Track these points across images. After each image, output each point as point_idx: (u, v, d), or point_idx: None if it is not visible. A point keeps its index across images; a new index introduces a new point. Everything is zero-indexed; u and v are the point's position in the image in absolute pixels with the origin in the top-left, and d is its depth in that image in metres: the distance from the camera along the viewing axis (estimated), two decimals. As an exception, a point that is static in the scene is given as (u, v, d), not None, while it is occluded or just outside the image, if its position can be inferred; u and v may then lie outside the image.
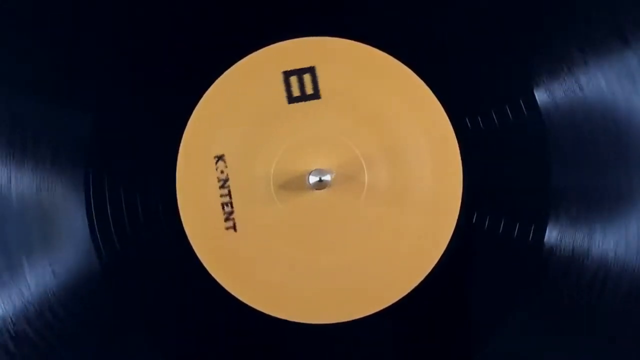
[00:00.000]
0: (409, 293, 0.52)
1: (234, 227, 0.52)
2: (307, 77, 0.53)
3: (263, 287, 0.52)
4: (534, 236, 0.52)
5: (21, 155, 0.52)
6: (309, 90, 0.53)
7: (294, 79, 0.52)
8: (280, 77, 0.53)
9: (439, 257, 0.52)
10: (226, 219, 0.52)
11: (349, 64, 0.53)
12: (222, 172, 0.52)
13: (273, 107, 0.52)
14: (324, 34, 0.53)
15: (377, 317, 0.52)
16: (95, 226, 0.52)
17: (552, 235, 0.53)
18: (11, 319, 0.52)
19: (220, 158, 0.52)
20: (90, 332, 0.52)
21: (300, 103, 0.52)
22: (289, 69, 0.53)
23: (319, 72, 0.53)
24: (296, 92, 0.53)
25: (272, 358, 0.53)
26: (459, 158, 0.53)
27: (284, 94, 0.52)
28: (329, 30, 0.53)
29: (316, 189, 0.51)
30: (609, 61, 0.53)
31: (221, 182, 0.52)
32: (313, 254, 0.52)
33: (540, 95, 0.53)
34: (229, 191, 0.52)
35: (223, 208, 0.52)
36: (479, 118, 0.53)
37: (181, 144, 0.52)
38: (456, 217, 0.52)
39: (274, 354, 0.53)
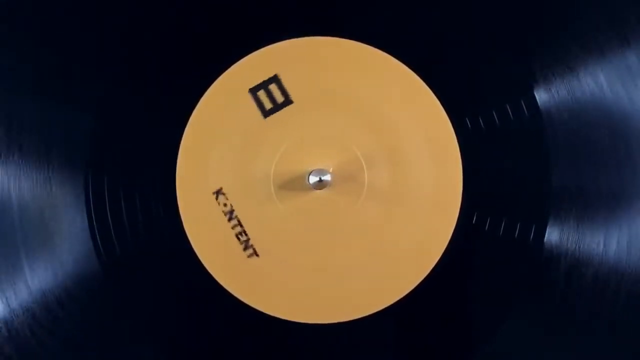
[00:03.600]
0: (409, 293, 0.52)
1: (255, 253, 0.52)
2: (273, 87, 0.52)
3: (263, 287, 0.52)
4: (534, 236, 0.52)
5: (21, 155, 0.52)
6: (280, 98, 0.52)
7: (262, 93, 0.52)
8: (249, 96, 0.52)
9: (439, 257, 0.52)
10: (245, 248, 0.52)
11: (348, 64, 0.53)
12: (225, 205, 0.52)
13: (252, 126, 0.52)
14: (323, 33, 0.53)
15: (377, 317, 0.52)
16: (95, 226, 0.52)
17: (552, 235, 0.53)
18: (11, 319, 0.52)
19: (218, 192, 0.52)
20: (90, 332, 0.52)
21: (275, 114, 0.52)
22: (253, 85, 0.52)
23: (283, 78, 0.52)
24: (268, 105, 0.52)
25: (272, 358, 0.53)
26: (459, 158, 0.53)
27: (257, 111, 0.52)
28: (329, 30, 0.53)
29: (316, 189, 0.51)
30: (609, 61, 0.53)
31: (227, 215, 0.52)
32: (313, 253, 0.52)
33: (540, 95, 0.53)
34: (238, 220, 0.52)
35: (238, 238, 0.52)
36: (479, 118, 0.53)
37: (177, 182, 0.52)
38: (456, 217, 0.52)
39: (274, 354, 0.53)
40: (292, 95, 0.52)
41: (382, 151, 0.52)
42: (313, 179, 0.51)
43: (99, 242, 0.52)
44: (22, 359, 0.52)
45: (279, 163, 0.52)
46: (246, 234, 0.52)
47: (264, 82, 0.52)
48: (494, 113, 0.53)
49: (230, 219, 0.52)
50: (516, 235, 0.52)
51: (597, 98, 0.53)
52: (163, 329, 0.53)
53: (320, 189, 0.51)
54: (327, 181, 0.51)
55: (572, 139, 0.53)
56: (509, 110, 0.53)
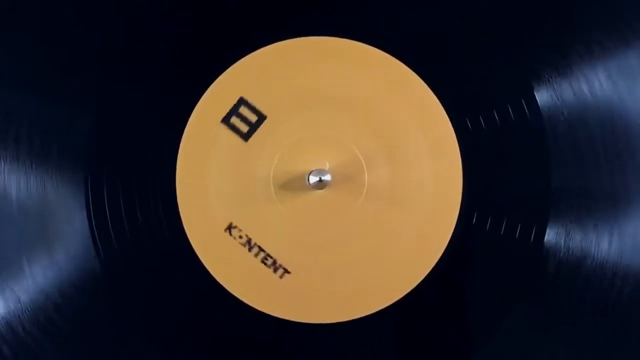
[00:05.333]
0: (408, 293, 0.52)
1: (286, 271, 0.52)
2: (244, 110, 0.52)
3: (263, 287, 0.52)
4: (534, 236, 0.52)
5: (21, 155, 0.52)
6: (253, 119, 0.52)
7: (235, 120, 0.52)
8: (223, 127, 0.52)
9: (439, 257, 0.52)
10: (275, 270, 0.52)
11: (348, 64, 0.53)
12: (240, 237, 0.52)
13: (236, 153, 0.52)
14: (323, 33, 0.53)
15: (377, 317, 0.52)
16: (95, 226, 0.52)
17: (551, 235, 0.53)
18: (11, 318, 0.52)
19: (230, 228, 0.52)
20: (89, 332, 0.52)
21: (254, 134, 0.52)
22: (224, 115, 0.52)
23: (251, 99, 0.52)
24: (244, 129, 0.52)
25: (272, 358, 0.53)
26: (459, 158, 0.53)
27: (237, 138, 0.52)
28: (329, 30, 0.53)
29: (316, 189, 0.51)
30: (610, 61, 0.53)
31: (246, 246, 0.52)
32: (313, 253, 0.52)
33: (541, 96, 0.53)
34: (259, 247, 0.52)
35: (264, 263, 0.52)
36: (479, 118, 0.53)
37: (176, 182, 0.52)
38: (456, 217, 0.52)
39: (274, 354, 0.53)
40: (264, 110, 0.52)
41: (382, 151, 0.52)
42: (313, 179, 0.51)
43: (98, 241, 0.52)
44: (25, 358, 0.52)
45: (279, 163, 0.52)
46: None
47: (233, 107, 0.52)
48: (494, 113, 0.53)
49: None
50: (516, 235, 0.52)
51: (598, 98, 0.53)
52: (163, 329, 0.53)
53: (320, 189, 0.51)
54: (327, 181, 0.51)
55: (572, 139, 0.53)
56: (509, 110, 0.53)
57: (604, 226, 0.53)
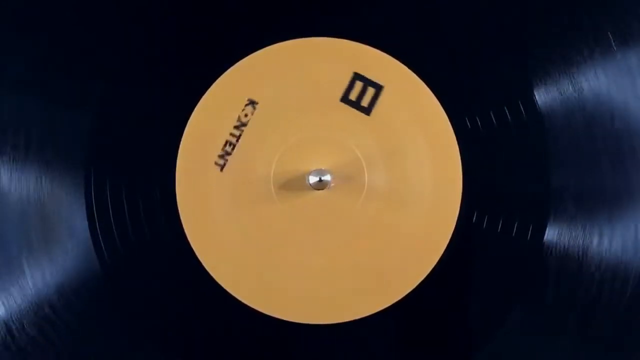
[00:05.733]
0: (409, 293, 0.52)
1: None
2: (369, 90, 0.53)
3: (263, 287, 0.52)
4: (533, 236, 0.52)
5: (21, 155, 0.52)
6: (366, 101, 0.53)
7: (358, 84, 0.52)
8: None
9: (439, 256, 0.52)
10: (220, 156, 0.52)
11: (348, 64, 0.53)
12: (245, 115, 0.52)
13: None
14: (323, 33, 0.53)
15: (377, 317, 0.52)
16: (96, 226, 0.52)
17: (551, 234, 0.53)
18: (11, 318, 0.52)
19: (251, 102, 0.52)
20: (90, 332, 0.52)
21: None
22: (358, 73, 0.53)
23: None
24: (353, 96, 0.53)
25: (272, 358, 0.53)
26: (459, 158, 0.53)
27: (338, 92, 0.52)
28: (329, 30, 0.53)
29: (316, 189, 0.51)
30: (609, 61, 0.53)
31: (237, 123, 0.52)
32: (313, 254, 0.52)
33: (540, 96, 0.53)
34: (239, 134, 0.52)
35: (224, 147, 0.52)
36: (479, 118, 0.53)
37: (176, 182, 0.52)
38: (456, 217, 0.52)
39: (274, 354, 0.53)
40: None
41: (382, 151, 0.52)
42: (313, 179, 0.51)
43: (99, 242, 0.52)
44: (25, 358, 0.52)
45: (279, 163, 0.52)
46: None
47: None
48: (494, 113, 0.53)
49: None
50: (515, 234, 0.52)
51: (597, 98, 0.53)
52: (163, 330, 0.53)
53: (320, 189, 0.51)
54: (327, 181, 0.51)
55: (571, 139, 0.53)
56: (509, 110, 0.53)
57: (604, 226, 0.53)
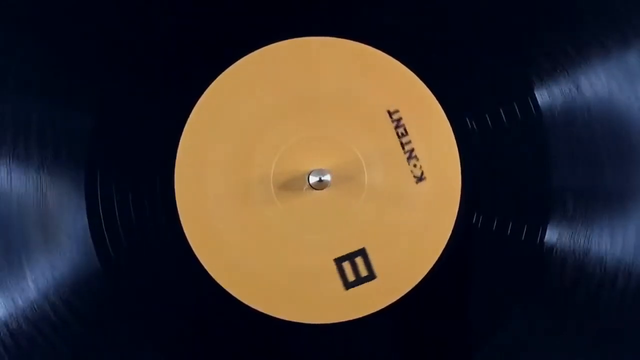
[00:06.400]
0: (408, 293, 0.52)
1: None
2: None
3: (263, 287, 0.52)
4: (533, 236, 0.53)
5: (21, 155, 0.52)
6: None
7: None
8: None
9: (438, 256, 0.52)
10: None
11: (348, 64, 0.53)
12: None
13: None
14: (323, 33, 0.53)
15: (377, 317, 0.52)
16: (96, 226, 0.52)
17: (551, 234, 0.53)
18: (11, 318, 0.52)
19: None
20: (90, 332, 0.52)
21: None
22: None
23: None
24: None
25: (272, 358, 0.53)
26: (459, 158, 0.53)
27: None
28: (329, 30, 0.53)
29: (316, 189, 0.51)
30: (610, 61, 0.53)
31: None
32: (313, 254, 0.52)
33: (540, 95, 0.53)
34: None
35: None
36: (479, 118, 0.53)
37: (176, 181, 0.52)
38: (455, 217, 0.52)
39: (274, 354, 0.53)
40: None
41: (382, 151, 0.52)
42: (313, 179, 0.51)
43: (99, 242, 0.52)
44: (25, 358, 0.52)
45: (278, 163, 0.52)
46: None
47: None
48: (494, 113, 0.53)
49: None
50: (515, 234, 0.52)
51: (598, 98, 0.53)
52: (163, 329, 0.53)
53: (320, 189, 0.51)
54: (327, 181, 0.51)
55: (572, 139, 0.53)
56: (509, 110, 0.53)
57: (605, 225, 0.53)
